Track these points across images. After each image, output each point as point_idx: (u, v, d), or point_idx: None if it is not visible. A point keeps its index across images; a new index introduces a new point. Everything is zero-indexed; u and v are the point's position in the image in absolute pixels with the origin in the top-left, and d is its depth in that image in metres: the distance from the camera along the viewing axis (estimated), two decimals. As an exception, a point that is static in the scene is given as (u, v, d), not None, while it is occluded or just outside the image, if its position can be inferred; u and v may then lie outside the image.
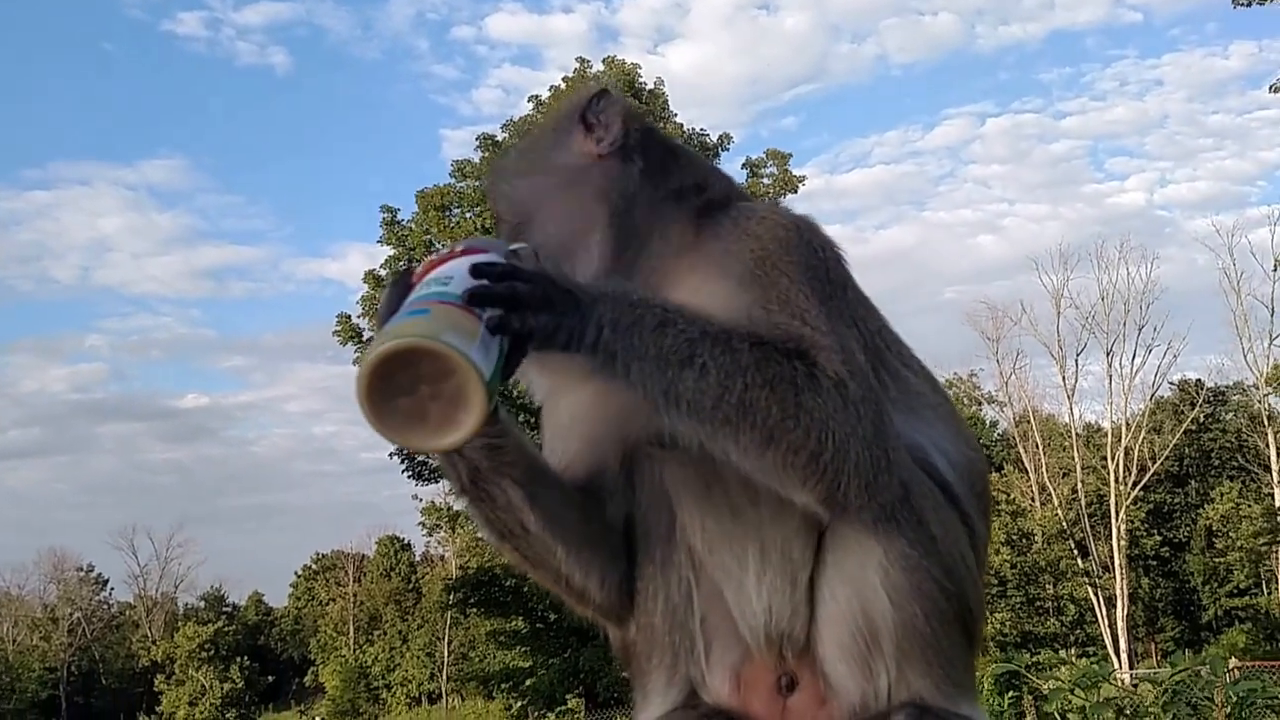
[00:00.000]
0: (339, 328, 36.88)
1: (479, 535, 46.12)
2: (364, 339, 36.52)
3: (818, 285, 2.09)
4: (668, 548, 2.14)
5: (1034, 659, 8.30)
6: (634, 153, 2.29)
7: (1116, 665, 37.71)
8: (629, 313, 1.83)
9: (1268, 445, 50.44)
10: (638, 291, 1.91)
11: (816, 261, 2.15)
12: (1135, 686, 7.80)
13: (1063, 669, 7.57)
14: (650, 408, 1.85)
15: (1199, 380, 56.76)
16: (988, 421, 56.90)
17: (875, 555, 1.99)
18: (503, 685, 36.00)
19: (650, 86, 37.32)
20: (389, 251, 37.49)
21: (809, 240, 2.18)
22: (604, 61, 37.46)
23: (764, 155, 37.34)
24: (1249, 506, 49.96)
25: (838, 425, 1.86)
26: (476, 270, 1.73)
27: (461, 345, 1.62)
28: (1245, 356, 51.39)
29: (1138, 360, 50.83)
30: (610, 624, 2.26)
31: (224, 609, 76.35)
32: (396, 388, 1.63)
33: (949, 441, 2.22)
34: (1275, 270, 44.49)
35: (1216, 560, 51.95)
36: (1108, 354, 50.80)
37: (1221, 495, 52.01)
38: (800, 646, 2.10)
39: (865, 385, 1.97)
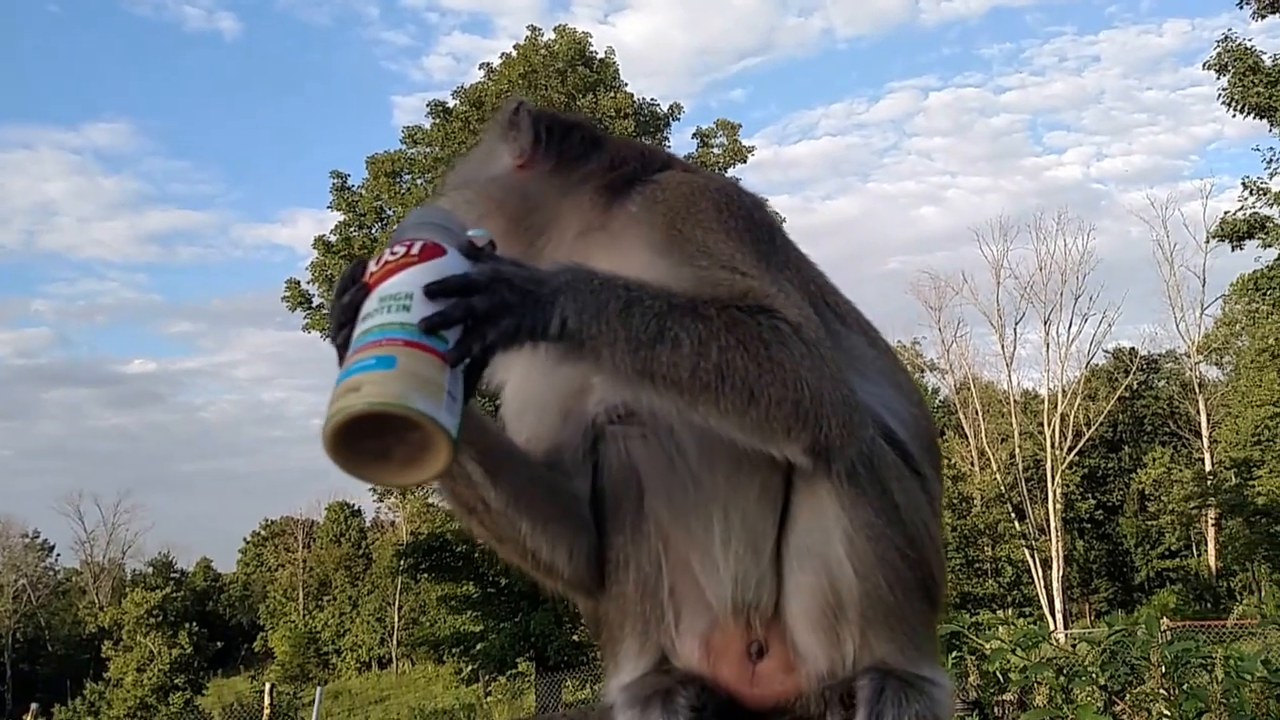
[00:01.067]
0: (288, 293, 36.41)
1: (430, 501, 45.65)
2: (313, 305, 36.24)
3: (736, 230, 2.12)
4: (636, 519, 2.16)
5: (973, 619, 8.32)
6: (550, 155, 2.35)
7: (1052, 625, 38.28)
8: (592, 300, 1.81)
9: (1198, 412, 51.72)
10: (598, 274, 1.87)
11: (732, 209, 2.17)
12: (1074, 646, 8.01)
13: (1002, 629, 7.48)
14: (625, 387, 1.87)
15: (1133, 348, 57.86)
16: (929, 388, 57.59)
17: (841, 526, 2.00)
18: (453, 649, 35.70)
19: (601, 55, 37.05)
20: (339, 217, 37.09)
21: (717, 190, 2.23)
22: (555, 30, 37.02)
23: (714, 125, 37.27)
24: (1180, 471, 51.18)
25: (808, 370, 1.88)
26: (430, 292, 1.70)
27: (430, 409, 1.60)
28: (1177, 325, 53.10)
29: (1074, 329, 51.89)
30: (580, 596, 2.28)
31: (172, 575, 74.91)
32: (362, 432, 1.62)
33: (895, 400, 2.23)
34: (1207, 242, 45.46)
35: (1149, 523, 52.78)
36: (1045, 323, 51.85)
37: (1154, 460, 52.98)
38: (769, 615, 2.12)
39: (815, 324, 2.01)
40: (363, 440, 1.61)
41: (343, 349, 1.72)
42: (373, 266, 1.78)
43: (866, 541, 2.00)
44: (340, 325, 1.78)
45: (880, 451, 2.06)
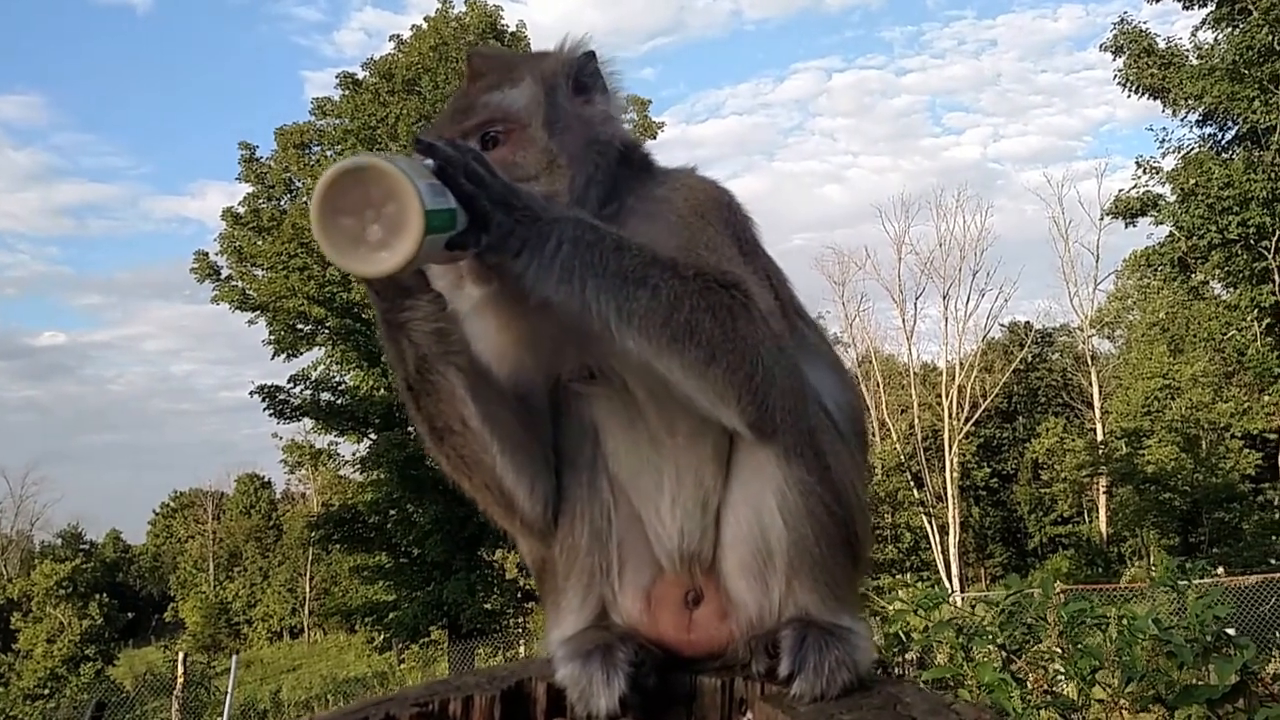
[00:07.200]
0: (196, 265, 35.62)
1: (341, 473, 44.94)
2: (222, 276, 35.99)
3: (738, 239, 2.24)
4: (592, 473, 2.23)
5: (875, 583, 8.31)
6: (613, 118, 2.40)
7: (949, 588, 39.19)
8: (590, 232, 1.91)
9: (1090, 384, 52.52)
10: (592, 218, 1.99)
11: (738, 221, 2.30)
12: (972, 608, 8.27)
13: (902, 592, 7.61)
14: (600, 324, 1.90)
15: (1028, 322, 58.96)
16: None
17: (776, 480, 2.10)
18: (366, 619, 35.39)
19: (512, 29, 36.65)
20: (248, 189, 36.49)
21: (731, 203, 2.33)
22: (466, 3, 36.75)
23: (624, 101, 37.16)
24: (1072, 441, 51.81)
25: (766, 353, 1.98)
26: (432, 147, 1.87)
27: (410, 171, 1.69)
28: (1071, 300, 53.94)
29: (972, 303, 52.24)
30: (532, 539, 2.30)
31: (81, 546, 73.89)
32: (344, 208, 1.70)
33: (836, 386, 2.33)
34: (1101, 220, 46.80)
35: (1042, 491, 53.57)
36: (944, 297, 52.23)
37: (1047, 430, 53.56)
38: (707, 565, 2.21)
39: (782, 324, 2.14)
40: (342, 215, 1.71)
41: None
42: None
43: (799, 496, 2.10)
44: None
45: (819, 419, 2.19)
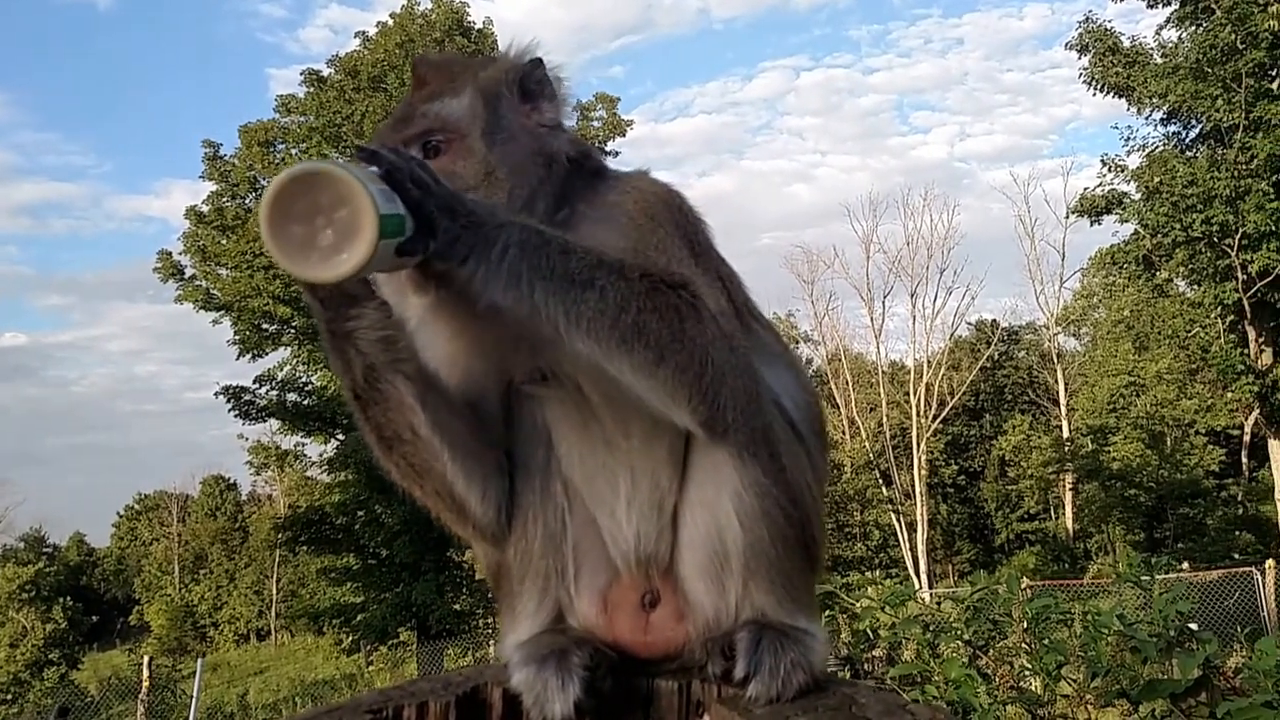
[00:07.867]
0: (159, 265, 35.47)
1: (308, 474, 44.67)
2: (185, 275, 35.77)
3: (689, 242, 2.24)
4: (545, 478, 2.22)
5: (844, 581, 8.32)
6: (560, 126, 2.39)
7: (917, 585, 39.06)
8: (535, 236, 1.90)
9: (1056, 381, 52.75)
10: (536, 222, 1.98)
11: (689, 223, 2.30)
12: (939, 605, 8.28)
13: (871, 589, 7.60)
14: (549, 328, 1.90)
15: (994, 320, 59.14)
16: (803, 359, 58.27)
17: (732, 482, 2.10)
18: (334, 621, 35.34)
19: (479, 26, 36.70)
20: (212, 187, 36.21)
21: (683, 205, 2.33)
22: (432, 0, 36.81)
23: (593, 99, 36.93)
24: (1039, 438, 52.11)
25: (716, 352, 1.99)
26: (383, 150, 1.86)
27: (362, 176, 1.68)
28: (1037, 298, 54.23)
29: (939, 302, 52.32)
30: (486, 544, 2.29)
31: (44, 550, 72.88)
32: (295, 214, 1.68)
33: (793, 386, 2.35)
34: (1067, 218, 46.95)
35: (1009, 488, 53.84)
36: (912, 296, 52.07)
37: (1013, 428, 53.79)
38: (664, 567, 2.21)
39: (734, 324, 2.14)
40: (293, 222, 1.69)
41: None
42: None
43: (754, 497, 2.10)
44: None
45: (775, 420, 2.20)
